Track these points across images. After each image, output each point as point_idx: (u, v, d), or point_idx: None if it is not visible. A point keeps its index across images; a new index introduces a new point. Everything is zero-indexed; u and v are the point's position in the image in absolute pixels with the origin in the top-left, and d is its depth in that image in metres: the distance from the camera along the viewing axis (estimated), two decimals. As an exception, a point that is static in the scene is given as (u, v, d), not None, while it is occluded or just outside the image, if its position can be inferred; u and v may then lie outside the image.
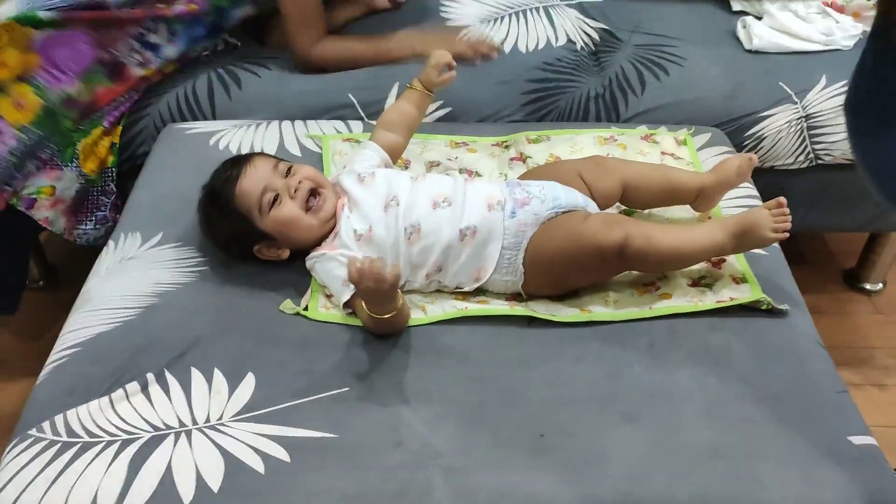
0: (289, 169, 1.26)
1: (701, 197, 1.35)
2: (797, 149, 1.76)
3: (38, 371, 1.18)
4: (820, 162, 1.77)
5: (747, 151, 1.74)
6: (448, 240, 1.21)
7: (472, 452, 1.06)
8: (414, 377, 1.16)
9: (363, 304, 1.15)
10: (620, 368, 1.18)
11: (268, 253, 1.26)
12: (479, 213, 1.23)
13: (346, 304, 1.19)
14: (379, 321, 1.15)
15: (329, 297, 1.25)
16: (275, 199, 1.22)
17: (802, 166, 1.77)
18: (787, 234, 1.21)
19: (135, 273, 1.29)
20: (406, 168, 1.53)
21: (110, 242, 1.39)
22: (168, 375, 1.15)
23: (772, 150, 1.76)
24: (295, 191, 1.23)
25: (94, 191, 1.66)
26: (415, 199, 1.23)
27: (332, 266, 1.23)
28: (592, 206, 1.31)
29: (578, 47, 1.80)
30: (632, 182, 1.34)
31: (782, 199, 1.23)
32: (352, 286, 1.17)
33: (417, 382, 1.15)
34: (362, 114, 1.71)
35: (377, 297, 1.10)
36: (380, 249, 1.23)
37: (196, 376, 1.15)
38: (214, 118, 1.71)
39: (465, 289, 1.25)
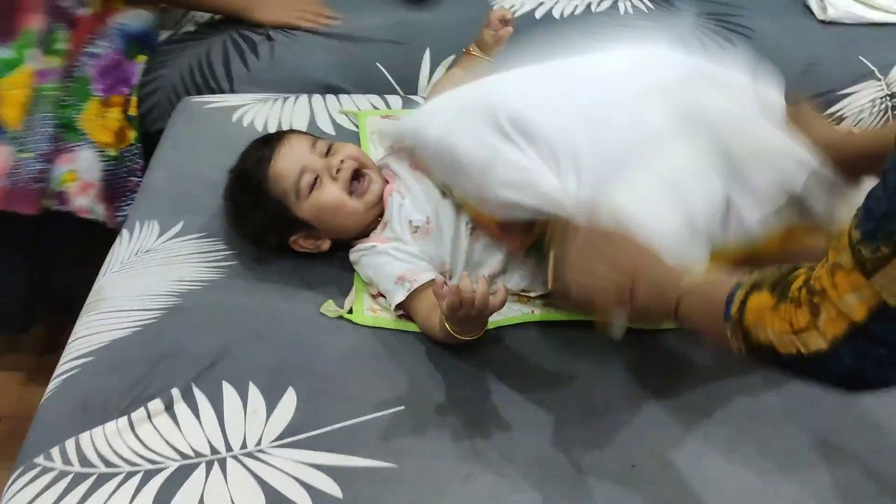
0: (329, 148, 1.15)
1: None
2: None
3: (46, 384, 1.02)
4: (903, 145, 1.61)
5: (826, 133, 1.58)
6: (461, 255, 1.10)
7: (553, 486, 0.92)
8: (479, 394, 1.03)
9: (438, 319, 1.01)
10: (713, 380, 1.05)
11: (305, 244, 1.15)
12: None
13: (399, 306, 1.08)
14: (458, 340, 1.01)
15: (375, 296, 1.14)
16: (314, 182, 1.11)
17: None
18: None
19: (154, 269, 1.16)
20: None
21: (124, 232, 1.25)
22: (196, 391, 1.01)
23: (851, 131, 1.60)
24: (337, 171, 1.11)
25: (122, 171, 1.53)
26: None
27: (383, 261, 1.11)
28: None
29: (622, 12, 1.62)
30: None
31: None
32: (407, 285, 1.07)
33: (484, 400, 1.02)
34: (397, 87, 1.59)
35: (471, 321, 0.97)
36: (438, 244, 1.12)
37: (228, 392, 1.01)
38: (233, 90, 1.59)
39: (532, 294, 1.12)
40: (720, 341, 0.74)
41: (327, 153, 1.14)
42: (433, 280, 1.05)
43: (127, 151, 1.54)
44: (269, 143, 1.15)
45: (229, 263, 1.17)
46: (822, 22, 1.68)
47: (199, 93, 1.58)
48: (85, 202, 1.49)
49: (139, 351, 1.05)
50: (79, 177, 1.48)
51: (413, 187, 1.13)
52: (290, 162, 1.12)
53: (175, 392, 1.00)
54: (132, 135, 1.54)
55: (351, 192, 1.12)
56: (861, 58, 1.62)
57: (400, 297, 1.07)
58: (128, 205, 1.52)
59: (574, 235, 0.91)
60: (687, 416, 1.01)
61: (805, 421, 1.00)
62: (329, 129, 1.44)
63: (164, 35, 1.67)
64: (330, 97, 1.51)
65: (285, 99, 1.50)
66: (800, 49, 1.63)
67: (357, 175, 1.13)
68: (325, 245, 1.15)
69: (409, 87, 1.58)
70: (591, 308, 0.89)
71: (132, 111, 1.54)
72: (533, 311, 1.12)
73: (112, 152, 1.51)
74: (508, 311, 1.11)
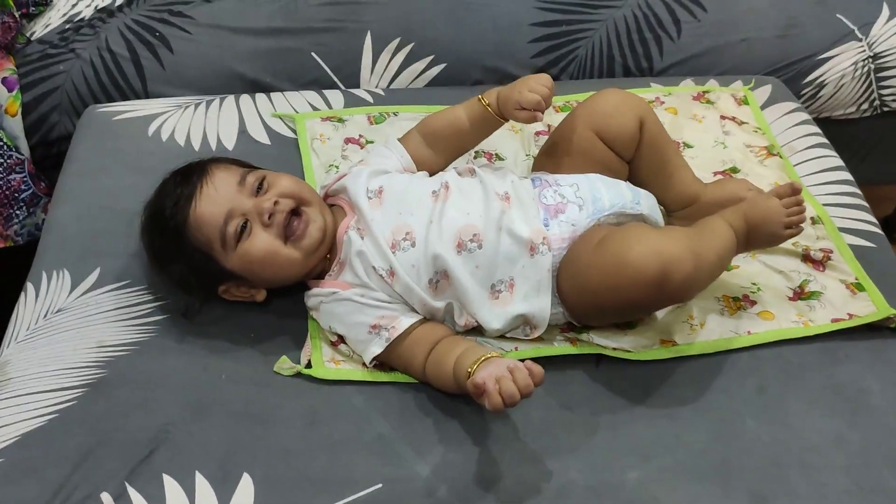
0: (261, 182, 1.01)
1: (690, 211, 1.13)
2: (860, 96, 1.51)
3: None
4: (886, 109, 1.52)
5: (805, 101, 1.49)
6: (478, 297, 0.99)
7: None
8: (466, 457, 0.91)
9: (448, 372, 0.93)
10: (729, 425, 0.95)
11: (237, 294, 1.04)
12: (515, 259, 1.00)
13: (374, 360, 0.99)
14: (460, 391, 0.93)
15: (336, 343, 1.02)
16: (243, 228, 0.98)
17: (865, 115, 1.52)
18: (802, 230, 1.05)
19: (68, 334, 1.01)
20: None
21: (28, 287, 1.07)
22: (131, 491, 0.86)
23: (832, 98, 1.50)
24: (270, 216, 0.98)
25: None
26: (436, 237, 0.99)
27: (349, 310, 0.99)
28: (646, 199, 1.07)
29: None
30: (647, 127, 1.09)
31: (797, 185, 1.04)
32: (385, 335, 0.98)
33: (472, 466, 0.90)
34: (336, 80, 1.44)
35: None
36: (406, 294, 0.99)
37: (171, 488, 0.87)
38: (146, 93, 1.43)
39: (510, 336, 1.03)
40: None
41: (258, 189, 1.00)
42: (417, 322, 0.97)
43: None
44: (188, 178, 1.01)
45: (157, 318, 1.03)
46: (795, -23, 1.55)
47: (106, 94, 1.41)
48: None
49: (58, 446, 0.89)
50: None
51: (373, 229, 1.00)
52: (213, 205, 0.98)
53: (106, 497, 0.85)
54: None
55: (287, 238, 0.99)
56: (839, 16, 1.50)
57: (376, 349, 0.97)
58: (18, 207, 1.33)
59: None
60: (700, 468, 0.90)
61: (840, 468, 0.90)
62: (262, 136, 1.29)
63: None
64: (260, 97, 1.36)
65: (209, 103, 1.33)
66: (775, 9, 1.51)
67: (295, 212, 1.00)
68: (260, 295, 1.04)
69: (350, 79, 1.43)
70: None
71: None
72: (516, 349, 1.01)
73: None
74: (491, 350, 0.97)
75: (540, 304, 0.99)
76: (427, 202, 1.02)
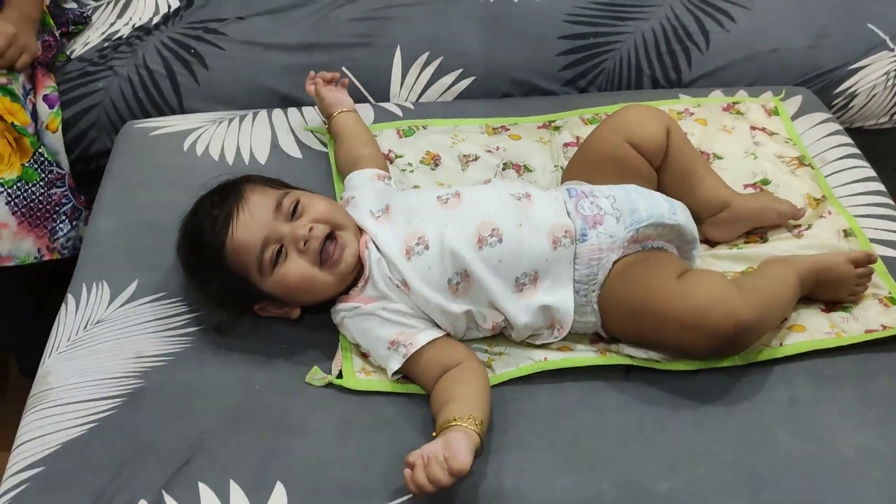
0: (296, 206, 1.02)
1: (722, 217, 1.14)
2: (893, 106, 1.49)
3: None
4: (919, 119, 1.50)
5: (836, 112, 1.48)
6: (502, 291, 1.00)
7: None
8: (495, 468, 0.91)
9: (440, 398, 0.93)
10: (760, 437, 0.94)
11: (273, 311, 1.06)
12: (539, 252, 1.01)
13: (396, 373, 0.99)
14: None
15: (365, 355, 1.03)
16: (278, 254, 1.00)
17: (897, 125, 1.51)
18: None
19: (107, 345, 1.02)
20: (435, 165, 1.27)
21: (69, 298, 1.09)
22: (168, 499, 0.87)
23: (863, 109, 1.49)
24: (305, 243, 1.00)
25: (36, 189, 1.33)
26: (453, 235, 1.00)
27: (370, 324, 1.01)
28: (682, 210, 1.07)
29: None
30: (673, 136, 1.12)
31: (874, 256, 1.07)
32: (402, 350, 0.97)
33: (502, 477, 0.90)
34: (366, 94, 1.46)
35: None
36: (424, 305, 1.00)
37: (207, 496, 0.88)
38: (182, 108, 1.46)
39: (539, 342, 1.04)
40: None
41: (293, 213, 1.02)
42: (435, 341, 0.97)
43: (33, 163, 1.33)
44: (224, 199, 1.02)
45: (193, 329, 1.05)
46: (824, -14, 1.55)
47: (143, 110, 1.44)
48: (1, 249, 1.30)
49: (97, 454, 0.91)
50: None
51: (382, 245, 1.02)
52: (250, 232, 1.00)
53: (143, 504, 0.86)
54: (29, 142, 1.33)
55: (322, 263, 1.00)
56: (870, 25, 1.49)
57: (395, 364, 0.98)
58: (60, 220, 1.36)
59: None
60: (730, 480, 0.89)
61: (876, 482, 0.89)
62: (294, 151, 1.31)
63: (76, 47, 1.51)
64: (292, 112, 1.38)
65: (242, 118, 1.36)
66: (805, 19, 1.51)
67: (330, 236, 1.01)
68: (295, 313, 1.05)
69: (379, 92, 1.45)
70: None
71: (16, 118, 1.32)
72: (545, 359, 1.01)
73: (9, 174, 1.30)
74: (519, 361, 1.01)
75: (562, 296, 1.00)
76: (437, 208, 1.03)
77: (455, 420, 0.87)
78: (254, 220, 1.00)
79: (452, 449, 0.83)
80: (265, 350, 1.02)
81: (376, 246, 1.02)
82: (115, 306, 1.07)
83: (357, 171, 1.17)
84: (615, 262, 1.01)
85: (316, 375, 0.99)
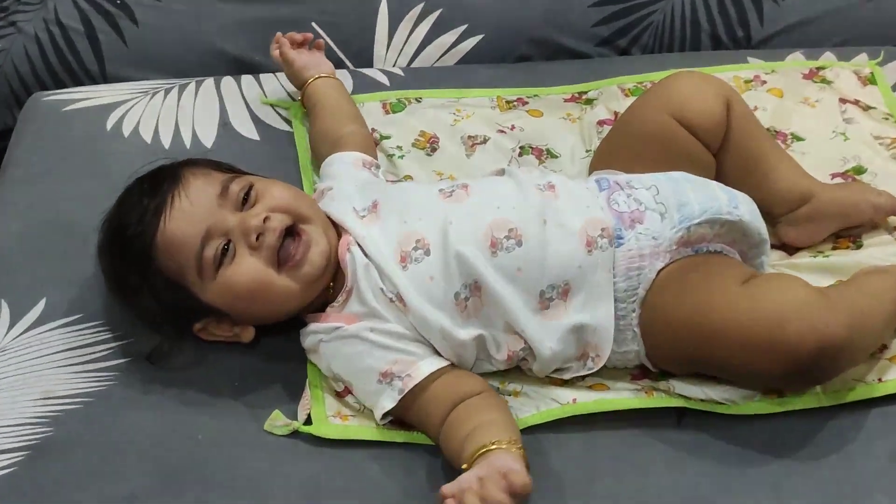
0: (248, 192, 1.05)
1: (801, 213, 1.16)
2: None
3: None
4: None
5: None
6: (523, 309, 1.02)
7: None
8: None
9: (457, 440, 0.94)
10: (853, 502, 0.95)
11: (218, 332, 1.08)
12: (570, 257, 1.02)
13: (387, 414, 1.02)
14: None
15: (342, 394, 1.05)
16: (224, 251, 1.01)
17: None
18: None
19: (5, 382, 1.05)
20: (432, 150, 1.30)
21: (-42, 323, 1.12)
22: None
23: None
24: (258, 236, 1.00)
25: None
26: (459, 237, 1.02)
27: (356, 351, 1.02)
28: (745, 202, 1.09)
29: None
30: (735, 112, 1.14)
31: None
32: (398, 385, 1.00)
33: None
34: (342, 56, 1.49)
35: None
36: (422, 326, 1.02)
37: None
38: (104, 76, 1.49)
39: (567, 377, 1.06)
40: None
41: (244, 201, 1.04)
42: (441, 370, 1.00)
43: None
44: (157, 187, 1.04)
45: (118, 362, 1.07)
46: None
47: (55, 78, 1.48)
48: None
49: (-5, 526, 0.93)
50: None
51: (371, 250, 1.04)
52: (187, 223, 1.02)
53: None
54: None
55: (281, 264, 1.02)
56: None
57: (388, 402, 0.99)
58: None
59: None
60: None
61: None
62: (250, 131, 1.34)
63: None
64: (247, 80, 1.42)
65: (182, 88, 1.39)
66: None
67: (291, 231, 1.03)
68: (247, 335, 1.07)
69: (360, 56, 1.48)
70: None
71: None
72: (574, 401, 1.03)
73: None
74: (541, 403, 1.03)
75: (601, 313, 1.02)
76: (438, 203, 1.05)
77: (493, 444, 0.89)
78: (193, 208, 1.01)
79: (507, 467, 0.85)
80: (211, 388, 1.04)
81: (363, 250, 1.04)
82: (15, 333, 1.08)
83: (338, 153, 1.19)
84: (660, 270, 1.02)
85: (277, 421, 1.01)
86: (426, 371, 0.98)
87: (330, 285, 1.06)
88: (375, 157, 1.22)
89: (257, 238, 1.01)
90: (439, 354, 1.01)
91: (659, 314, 1.01)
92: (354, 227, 1.05)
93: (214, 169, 1.08)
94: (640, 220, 1.04)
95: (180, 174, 1.05)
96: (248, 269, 1.01)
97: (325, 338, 1.03)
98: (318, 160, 1.23)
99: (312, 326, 1.04)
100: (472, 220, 1.03)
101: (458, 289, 1.00)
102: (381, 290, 1.02)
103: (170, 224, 1.01)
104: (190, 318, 1.05)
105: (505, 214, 1.02)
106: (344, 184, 1.13)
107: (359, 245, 1.04)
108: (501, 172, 1.12)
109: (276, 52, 1.33)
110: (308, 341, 1.04)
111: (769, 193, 1.13)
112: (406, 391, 0.98)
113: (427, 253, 1.02)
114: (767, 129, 1.25)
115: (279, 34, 1.34)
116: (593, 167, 1.19)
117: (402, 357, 0.99)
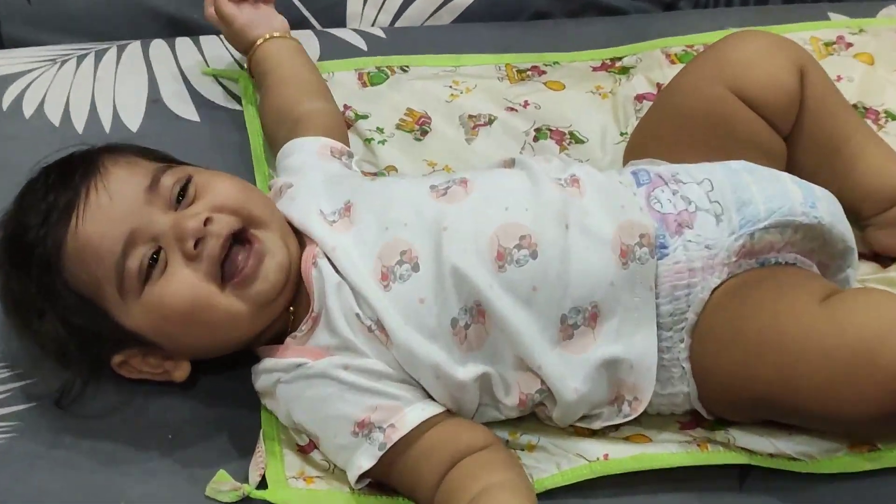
0: (184, 187, 1.06)
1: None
2: None
3: None
4: None
5: None
6: (538, 340, 1.03)
7: None
8: None
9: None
10: None
11: (144, 368, 1.09)
12: (599, 272, 1.04)
13: (364, 476, 1.02)
14: None
15: (305, 449, 1.07)
16: (152, 262, 1.02)
17: None
18: None
19: None
20: (422, 133, 1.32)
21: None
22: None
23: None
24: (197, 243, 1.02)
25: None
26: (455, 247, 1.04)
27: (323, 395, 1.03)
28: (825, 200, 1.10)
29: None
30: (810, 84, 1.15)
31: None
32: (378, 438, 1.00)
33: None
34: (306, 13, 1.52)
35: None
36: (409, 363, 1.03)
37: None
38: (0, 40, 1.51)
39: (596, 426, 1.08)
40: None
41: (180, 197, 1.05)
42: (434, 418, 1.01)
43: None
44: (67, 179, 1.06)
45: (17, 408, 1.09)
46: None
47: None
48: None
49: None
50: None
51: (343, 264, 1.05)
52: (105, 223, 1.03)
53: None
54: None
55: (225, 279, 1.03)
56: None
57: (366, 461, 1.00)
58: None
59: None
60: None
61: None
62: (187, 110, 1.37)
63: None
64: (183, 43, 1.45)
65: (100, 55, 1.41)
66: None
67: (240, 238, 1.05)
68: (181, 372, 1.08)
69: (329, 13, 1.50)
70: None
71: None
72: (606, 457, 1.04)
73: None
74: (563, 460, 1.05)
75: (640, 343, 1.03)
76: (429, 204, 1.07)
77: None
78: (113, 206, 1.02)
79: None
80: (137, 440, 1.05)
81: (333, 264, 1.05)
82: None
83: (297, 138, 1.21)
84: (715, 289, 1.04)
85: (222, 485, 1.01)
86: (415, 420, 0.99)
87: (290, 309, 1.06)
88: (347, 143, 1.24)
89: (196, 245, 1.01)
90: (431, 398, 1.02)
91: (714, 345, 1.02)
92: (322, 236, 1.06)
93: (142, 157, 1.09)
94: (690, 224, 1.05)
95: (97, 163, 1.05)
96: (182, 284, 1.02)
97: (283, 377, 1.04)
98: (273, 147, 1.25)
99: (267, 363, 1.05)
100: (472, 225, 1.04)
101: (455, 314, 1.01)
102: (357, 315, 1.02)
103: (83, 225, 1.02)
104: (108, 348, 1.06)
105: (515, 217, 1.04)
106: (307, 179, 1.14)
107: (328, 258, 1.05)
108: (511, 163, 1.13)
109: (210, 10, 1.34)
110: (261, 382, 1.05)
111: (855, 188, 1.15)
112: (389, 446, 0.98)
113: (415, 268, 1.03)
114: (854, 106, 1.27)
115: None
116: (629, 155, 1.21)
117: (384, 402, 1.00)
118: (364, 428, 0.99)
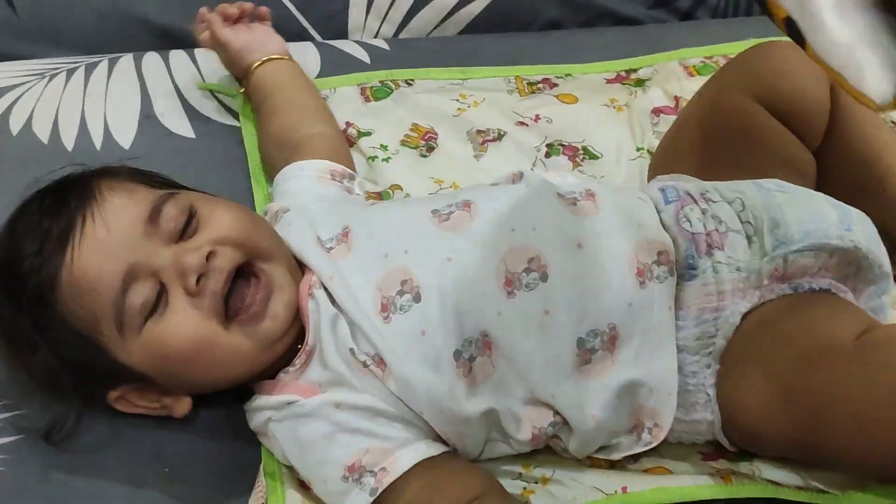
0: (188, 217, 1.06)
1: None
2: None
3: None
4: None
5: None
6: (553, 367, 1.02)
7: None
8: None
9: None
10: None
11: (143, 402, 1.09)
12: (616, 294, 1.04)
13: None
14: None
15: (307, 485, 1.05)
16: (157, 300, 1.03)
17: None
18: None
19: None
20: (428, 149, 1.32)
21: None
22: None
23: None
24: (199, 279, 1.02)
25: None
26: (461, 278, 1.04)
27: (316, 435, 1.02)
28: (860, 221, 1.09)
29: None
30: (841, 97, 1.14)
31: None
32: (369, 482, 0.99)
33: None
34: (306, 24, 1.52)
35: None
36: (410, 397, 1.02)
37: None
38: None
39: (615, 457, 1.07)
40: None
41: (183, 231, 1.05)
42: (427, 461, 0.99)
43: None
44: (64, 203, 1.05)
45: (6, 441, 1.07)
46: None
47: None
48: None
49: None
50: None
51: (341, 297, 1.04)
52: (103, 258, 1.02)
53: None
54: None
55: (230, 316, 1.03)
56: None
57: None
58: None
59: None
60: None
61: None
62: (182, 126, 1.37)
63: None
64: (178, 56, 1.45)
65: (90, 69, 1.41)
66: None
67: (244, 272, 1.05)
68: (181, 407, 1.07)
69: (330, 23, 1.50)
70: None
71: None
72: (625, 489, 1.03)
73: None
74: (579, 493, 1.03)
75: (659, 366, 1.03)
76: (432, 229, 1.06)
77: None
78: (111, 238, 1.02)
79: None
80: (132, 475, 1.04)
81: (329, 295, 1.04)
82: None
83: (296, 162, 1.20)
84: (746, 314, 1.03)
85: (221, 523, 1.00)
86: (406, 464, 0.98)
87: (298, 347, 1.06)
88: (351, 165, 1.23)
89: (199, 281, 1.01)
90: (432, 435, 1.01)
91: (742, 377, 1.02)
92: (319, 264, 1.06)
93: (140, 182, 1.08)
94: (720, 245, 1.05)
95: (94, 189, 1.05)
96: (185, 323, 1.02)
97: (274, 416, 1.04)
98: (269, 172, 1.24)
99: (258, 401, 1.05)
100: (478, 254, 1.03)
101: (458, 346, 1.00)
102: (351, 350, 1.02)
103: (79, 258, 1.01)
104: (104, 383, 1.05)
105: (522, 240, 1.03)
106: (305, 203, 1.14)
107: (324, 288, 1.05)
108: (519, 177, 1.13)
109: (204, 35, 1.35)
110: (256, 421, 1.06)
111: (887, 205, 1.15)
112: (381, 490, 0.97)
113: (416, 298, 1.02)
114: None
115: (203, 10, 1.36)
116: (654, 171, 1.20)
117: (376, 444, 1.00)
118: (354, 472, 0.99)
